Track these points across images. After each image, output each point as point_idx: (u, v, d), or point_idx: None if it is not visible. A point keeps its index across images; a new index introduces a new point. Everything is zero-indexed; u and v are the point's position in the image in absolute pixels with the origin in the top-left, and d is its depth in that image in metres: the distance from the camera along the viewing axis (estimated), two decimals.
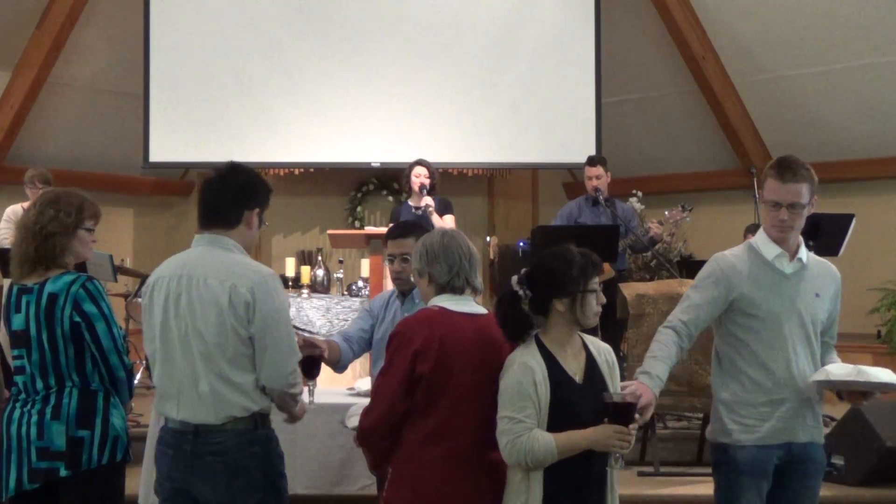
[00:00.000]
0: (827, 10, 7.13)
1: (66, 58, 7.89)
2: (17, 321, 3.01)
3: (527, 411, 2.60)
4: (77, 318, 2.95)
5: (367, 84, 7.93)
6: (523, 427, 2.58)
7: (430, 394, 2.72)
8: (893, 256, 7.40)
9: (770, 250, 3.02)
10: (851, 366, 2.98)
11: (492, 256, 8.39)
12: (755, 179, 6.60)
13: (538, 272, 2.73)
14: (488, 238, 8.49)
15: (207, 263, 2.82)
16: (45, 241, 2.99)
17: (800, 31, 7.36)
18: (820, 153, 7.39)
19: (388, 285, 6.33)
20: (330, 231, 6.02)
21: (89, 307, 2.97)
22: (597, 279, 2.72)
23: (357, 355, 3.61)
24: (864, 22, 7.05)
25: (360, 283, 6.96)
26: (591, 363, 2.75)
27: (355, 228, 7.94)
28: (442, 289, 2.85)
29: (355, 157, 8.03)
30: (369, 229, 6.04)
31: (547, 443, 2.56)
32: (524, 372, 2.62)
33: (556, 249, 2.76)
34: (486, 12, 8.05)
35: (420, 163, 6.26)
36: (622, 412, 2.61)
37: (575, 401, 2.65)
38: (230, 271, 2.79)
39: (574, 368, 2.70)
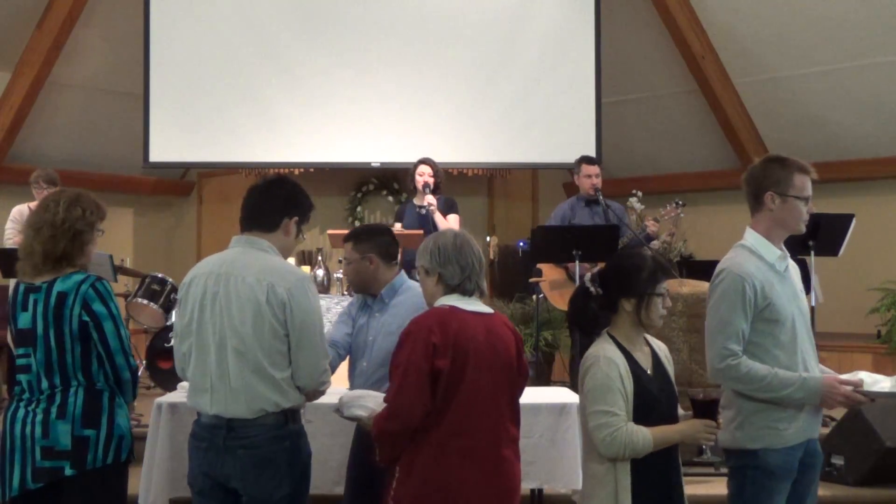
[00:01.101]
0: (827, 10, 7.13)
1: (66, 58, 7.89)
2: (24, 320, 3.02)
3: (619, 404, 2.73)
4: (86, 318, 2.97)
5: (367, 84, 7.92)
6: (619, 420, 2.72)
7: (447, 391, 2.74)
8: (893, 256, 7.40)
9: (771, 252, 3.03)
10: (887, 379, 3.01)
11: (492, 256, 8.38)
12: None
13: (610, 272, 2.91)
14: (488, 238, 8.48)
15: (245, 263, 2.92)
16: (73, 240, 3.03)
17: (800, 31, 7.35)
18: (820, 153, 7.39)
19: None
20: (330, 231, 6.02)
21: (98, 307, 2.99)
22: (665, 284, 2.86)
23: (343, 359, 3.64)
24: (864, 22, 7.05)
25: None
26: (654, 356, 2.91)
27: None
28: (451, 290, 2.88)
29: (355, 157, 8.02)
30: None
31: (645, 437, 2.71)
32: (610, 366, 2.76)
33: (631, 251, 3.07)
34: (486, 12, 8.05)
35: (424, 161, 6.25)
36: (708, 408, 2.80)
37: (653, 391, 2.80)
38: (268, 270, 2.89)
39: (644, 362, 2.86)
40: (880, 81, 7.26)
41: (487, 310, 2.92)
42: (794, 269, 3.13)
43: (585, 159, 6.57)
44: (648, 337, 2.96)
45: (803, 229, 3.07)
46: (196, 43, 7.94)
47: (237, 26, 7.98)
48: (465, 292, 2.88)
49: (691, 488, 4.60)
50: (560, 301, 6.41)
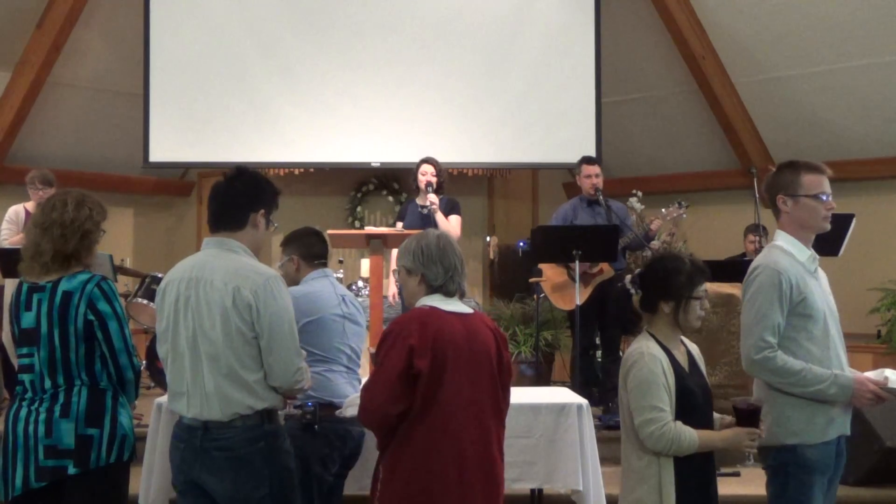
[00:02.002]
0: (827, 10, 7.13)
1: (66, 58, 7.89)
2: (28, 319, 3.03)
3: (664, 399, 2.79)
4: (91, 317, 2.99)
5: (367, 84, 7.92)
6: (666, 415, 2.78)
7: (427, 392, 2.75)
8: (893, 256, 7.40)
9: (802, 252, 3.09)
10: None
11: (492, 256, 8.38)
12: (755, 179, 6.60)
13: (649, 274, 2.97)
14: (488, 238, 8.48)
15: (215, 266, 2.91)
16: (82, 239, 3.06)
17: (800, 31, 7.35)
18: (820, 153, 7.37)
19: (392, 286, 6.35)
20: (330, 231, 5.98)
21: (104, 306, 3.01)
22: (703, 287, 2.92)
23: None
24: (863, 22, 7.05)
25: (360, 283, 6.97)
26: (690, 356, 2.98)
27: (355, 228, 7.94)
28: (434, 290, 2.90)
29: (355, 157, 8.02)
30: (369, 229, 6.04)
31: (692, 438, 2.79)
32: (653, 362, 2.82)
33: (669, 255, 3.04)
34: (486, 12, 8.04)
35: (427, 160, 6.21)
36: (751, 416, 2.87)
37: (694, 389, 2.86)
38: (234, 273, 2.88)
39: (682, 361, 2.92)
40: (880, 81, 7.26)
41: (467, 310, 2.94)
42: (822, 273, 3.20)
43: (585, 160, 6.55)
44: (682, 337, 3.02)
45: (826, 226, 3.11)
46: (196, 43, 7.94)
47: (237, 26, 7.98)
48: (447, 293, 2.89)
49: None
50: (561, 301, 6.40)
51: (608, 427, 5.52)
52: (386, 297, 6.25)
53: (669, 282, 2.89)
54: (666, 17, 7.93)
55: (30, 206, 6.63)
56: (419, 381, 2.73)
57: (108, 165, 8.49)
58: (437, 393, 2.75)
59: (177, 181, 9.27)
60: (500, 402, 2.93)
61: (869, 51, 7.17)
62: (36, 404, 3.00)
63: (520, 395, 4.19)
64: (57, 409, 2.98)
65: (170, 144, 7.97)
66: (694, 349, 3.05)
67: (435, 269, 2.88)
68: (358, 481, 3.89)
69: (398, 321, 2.86)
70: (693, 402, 2.85)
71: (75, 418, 2.97)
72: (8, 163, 7.90)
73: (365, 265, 6.77)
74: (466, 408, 2.79)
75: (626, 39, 8.26)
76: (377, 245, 5.53)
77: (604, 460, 4.26)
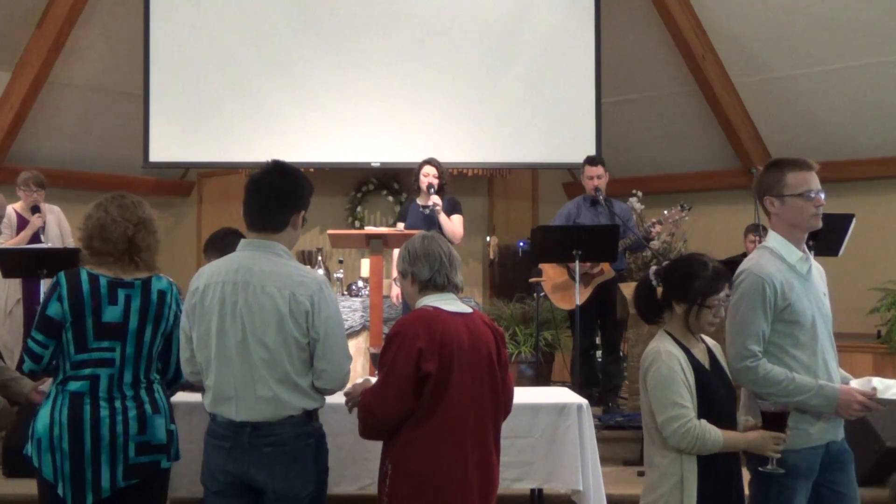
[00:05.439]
0: (827, 10, 7.13)
1: (66, 58, 7.89)
2: (112, 313, 3.03)
3: (685, 395, 2.79)
4: (179, 312, 3.09)
5: (368, 84, 7.92)
6: (689, 411, 2.78)
7: (435, 392, 2.79)
8: (893, 256, 7.40)
9: (792, 254, 3.04)
10: (892, 381, 3.04)
11: (492, 256, 8.38)
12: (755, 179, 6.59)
13: (671, 272, 2.97)
14: (488, 238, 8.48)
15: (262, 270, 2.89)
16: (156, 242, 3.17)
17: (800, 31, 7.36)
18: (820, 153, 7.36)
19: (394, 286, 6.35)
20: (330, 231, 6.02)
21: (182, 306, 3.08)
22: (720, 296, 2.90)
23: None
24: (863, 22, 7.05)
25: (360, 283, 6.97)
26: (710, 353, 2.97)
27: (355, 228, 7.94)
28: (424, 286, 2.96)
29: (355, 157, 8.02)
30: (369, 229, 6.04)
31: (717, 437, 2.79)
32: (671, 359, 2.82)
33: (695, 257, 2.98)
34: (486, 12, 8.04)
35: (429, 162, 6.21)
36: (777, 419, 2.84)
37: (714, 385, 2.86)
38: (288, 279, 2.87)
39: (702, 358, 2.92)
40: (880, 81, 7.26)
41: (467, 309, 2.99)
42: (818, 272, 3.16)
43: (587, 160, 6.55)
44: (703, 335, 3.02)
45: (816, 224, 3.06)
46: (196, 43, 7.94)
47: (237, 26, 7.98)
48: (437, 287, 2.94)
49: None
50: (561, 301, 6.40)
51: (608, 427, 5.53)
52: (388, 297, 6.25)
53: (685, 284, 2.89)
54: (666, 17, 7.93)
55: (19, 206, 6.57)
56: (426, 383, 2.78)
57: (108, 165, 8.49)
58: (443, 394, 2.79)
59: (177, 181, 9.27)
60: (500, 398, 2.98)
61: (869, 51, 7.17)
62: (118, 402, 3.01)
63: (520, 395, 4.16)
64: (148, 405, 3.05)
65: (170, 144, 7.96)
66: (716, 347, 3.03)
67: (420, 265, 2.95)
68: (357, 481, 3.89)
69: (403, 322, 2.89)
70: (715, 400, 2.84)
71: (164, 414, 3.08)
72: (8, 163, 7.90)
73: (365, 265, 6.77)
74: (469, 407, 2.85)
75: (626, 39, 8.26)
76: (377, 245, 5.54)
77: (604, 460, 4.25)
